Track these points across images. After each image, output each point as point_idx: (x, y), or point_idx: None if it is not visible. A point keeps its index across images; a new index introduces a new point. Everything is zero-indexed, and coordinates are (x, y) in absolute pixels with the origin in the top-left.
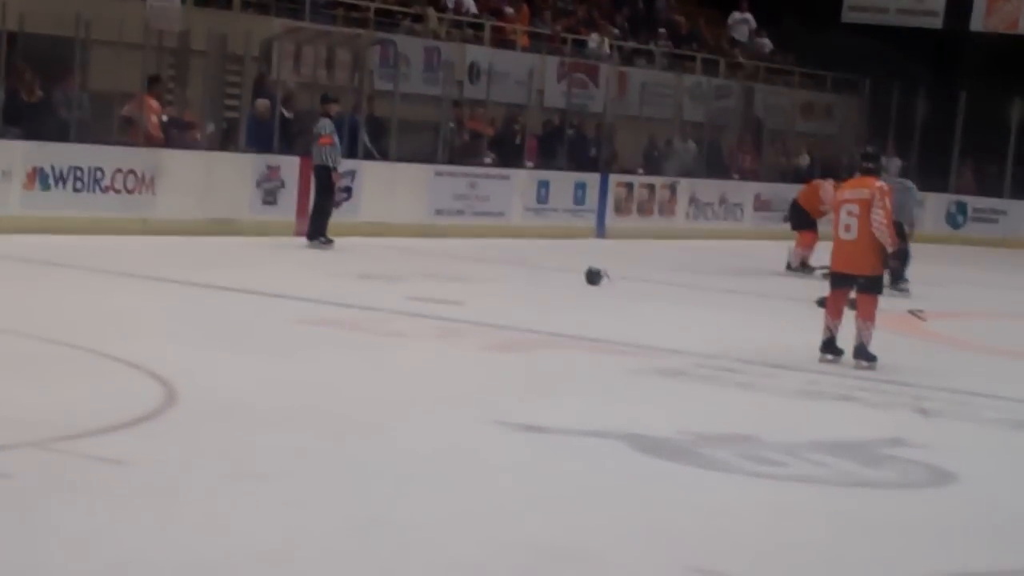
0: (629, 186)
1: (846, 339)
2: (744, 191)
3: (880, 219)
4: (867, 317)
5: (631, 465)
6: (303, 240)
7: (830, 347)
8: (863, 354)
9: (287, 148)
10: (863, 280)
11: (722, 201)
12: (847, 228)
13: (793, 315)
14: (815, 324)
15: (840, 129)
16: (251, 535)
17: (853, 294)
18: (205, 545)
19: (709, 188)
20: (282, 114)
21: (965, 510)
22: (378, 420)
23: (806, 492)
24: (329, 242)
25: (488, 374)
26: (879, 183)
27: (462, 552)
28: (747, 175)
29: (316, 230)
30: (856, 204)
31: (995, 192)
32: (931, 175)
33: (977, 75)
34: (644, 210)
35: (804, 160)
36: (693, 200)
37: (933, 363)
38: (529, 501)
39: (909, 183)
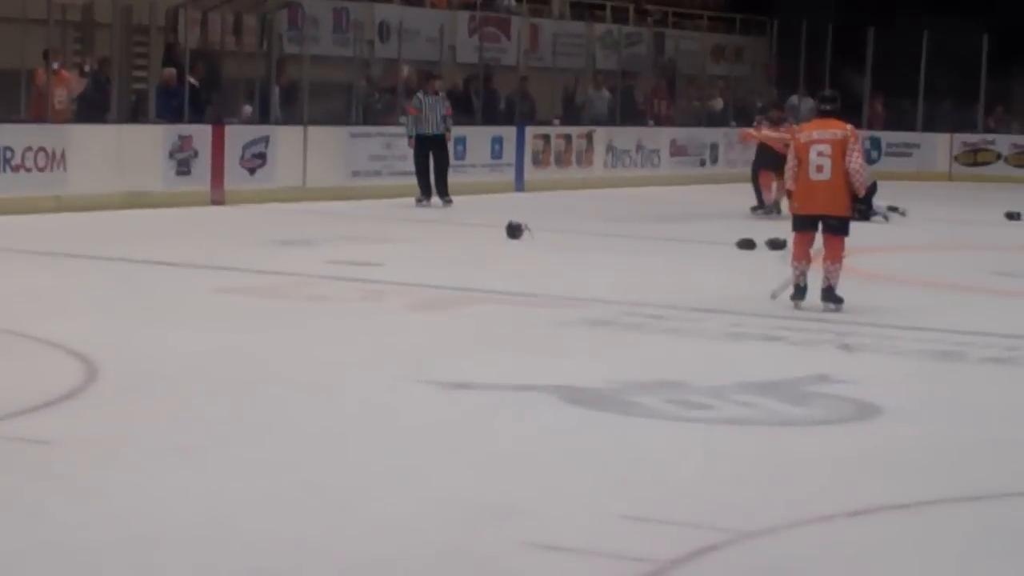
0: (546, 138)
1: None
2: (660, 137)
3: (858, 161)
4: (835, 259)
5: (561, 417)
6: (219, 208)
7: (802, 292)
8: (831, 296)
9: (197, 117)
10: (834, 221)
11: (639, 148)
12: (819, 169)
13: (714, 259)
14: (736, 266)
15: (751, 71)
16: (185, 508)
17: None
18: (139, 520)
19: (625, 136)
20: (190, 83)
21: (892, 442)
22: (306, 385)
23: (735, 433)
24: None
25: (414, 334)
26: (849, 125)
27: (398, 513)
28: (662, 121)
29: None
30: (828, 144)
31: (908, 126)
32: (843, 112)
33: (884, 11)
34: (562, 161)
35: (718, 104)
36: (610, 148)
37: (854, 298)
38: (461, 458)
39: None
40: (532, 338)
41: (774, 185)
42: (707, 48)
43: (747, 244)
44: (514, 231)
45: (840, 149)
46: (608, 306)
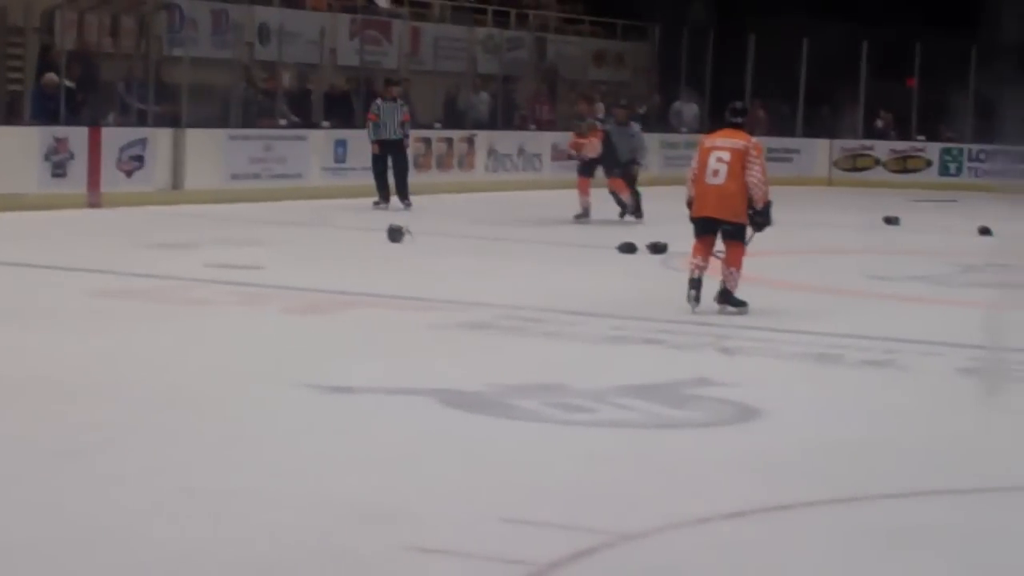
0: (427, 141)
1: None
2: (542, 141)
3: (758, 175)
4: (734, 264)
5: (441, 420)
6: (95, 211)
7: (696, 284)
8: (728, 299)
9: (74, 119)
10: (729, 227)
11: (520, 152)
12: (715, 173)
13: (595, 262)
14: (617, 270)
15: (632, 76)
16: (64, 513)
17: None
18: (18, 526)
19: (507, 140)
20: (66, 85)
21: (771, 444)
22: (185, 389)
23: (615, 436)
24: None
25: (293, 337)
26: (754, 139)
27: (277, 517)
28: (544, 126)
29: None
30: (728, 152)
31: (788, 132)
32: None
33: (765, 17)
34: (443, 164)
35: (599, 108)
36: (491, 152)
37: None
38: (341, 462)
39: (636, 126)
40: (412, 341)
41: (626, 191)
42: (589, 53)
43: (628, 248)
44: (395, 234)
45: (739, 159)
46: (488, 309)
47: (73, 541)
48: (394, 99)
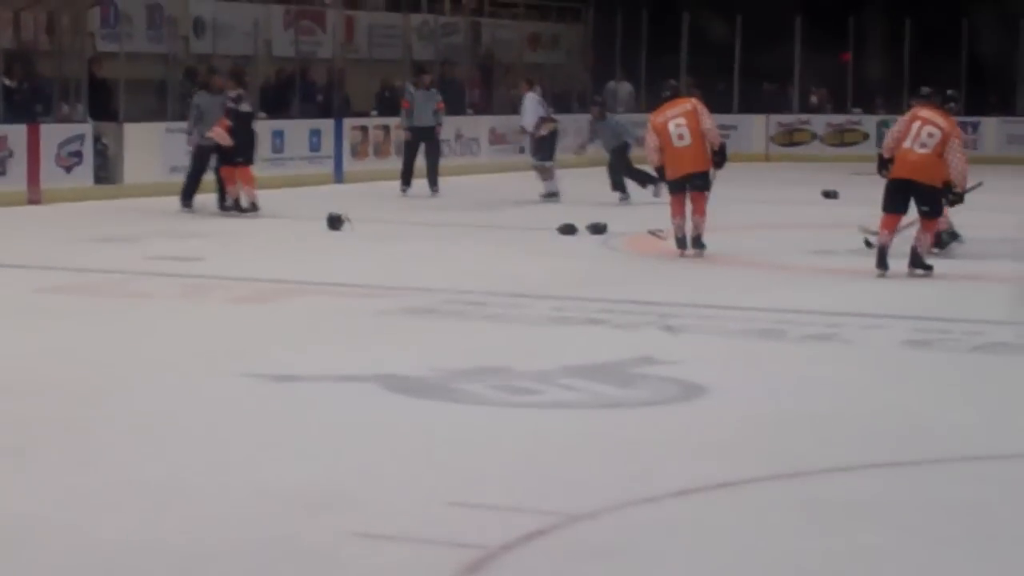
0: (364, 129)
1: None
2: (479, 126)
3: (709, 122)
4: (703, 212)
5: (385, 406)
6: (36, 207)
7: (683, 243)
8: (699, 244)
9: (13, 117)
10: (699, 180)
11: (458, 137)
12: (680, 137)
13: (535, 245)
14: (558, 251)
15: (567, 58)
16: (7, 508)
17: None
18: None
19: (444, 125)
20: (4, 84)
21: (717, 421)
22: (128, 382)
23: (561, 417)
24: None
25: (235, 327)
26: (693, 98)
27: (221, 506)
28: (481, 110)
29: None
30: (682, 117)
31: (724, 109)
32: (660, 97)
33: None
34: (381, 152)
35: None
36: None
37: (676, 280)
38: (286, 449)
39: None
40: (355, 328)
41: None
42: (523, 36)
43: (568, 229)
44: (334, 222)
45: (693, 117)
46: (430, 294)
47: (11, 536)
48: (427, 87)
